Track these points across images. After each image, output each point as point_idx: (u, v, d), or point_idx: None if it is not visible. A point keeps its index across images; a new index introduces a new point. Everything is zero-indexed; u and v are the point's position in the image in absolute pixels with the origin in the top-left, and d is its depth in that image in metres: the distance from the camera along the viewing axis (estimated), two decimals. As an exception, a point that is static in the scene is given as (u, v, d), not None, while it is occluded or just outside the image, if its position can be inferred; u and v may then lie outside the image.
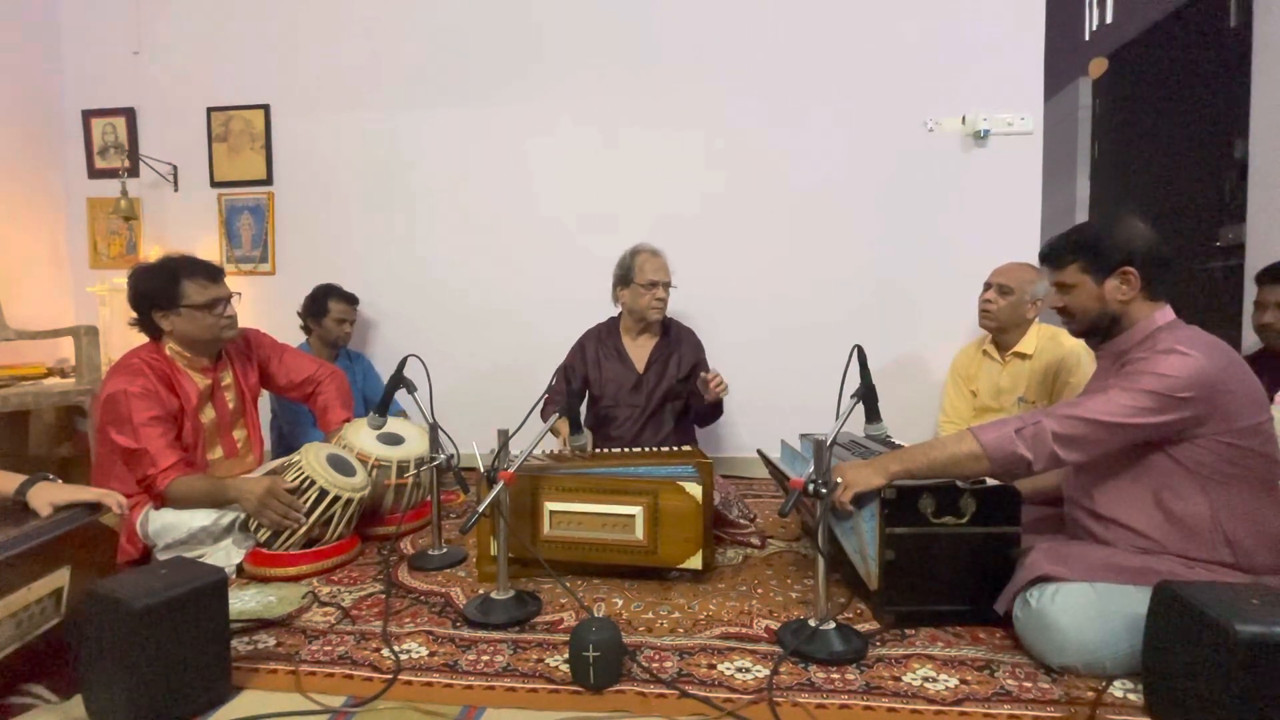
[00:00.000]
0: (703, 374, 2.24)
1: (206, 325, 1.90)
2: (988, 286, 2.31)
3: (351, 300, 2.93)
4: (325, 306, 2.84)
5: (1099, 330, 1.45)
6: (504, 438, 1.62)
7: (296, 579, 1.77)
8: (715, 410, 2.41)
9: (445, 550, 1.92)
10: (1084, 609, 1.24)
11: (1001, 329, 2.30)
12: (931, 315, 2.83)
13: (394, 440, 2.16)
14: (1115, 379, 1.36)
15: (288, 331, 2.66)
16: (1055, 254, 1.47)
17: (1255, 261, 2.53)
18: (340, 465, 1.92)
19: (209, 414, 1.99)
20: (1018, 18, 2.71)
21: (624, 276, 2.44)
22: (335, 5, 3.10)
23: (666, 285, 2.43)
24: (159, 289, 1.87)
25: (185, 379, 1.93)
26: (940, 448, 1.42)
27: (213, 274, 1.93)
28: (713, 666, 1.32)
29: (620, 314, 2.57)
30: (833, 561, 1.51)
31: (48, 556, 1.27)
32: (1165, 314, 1.40)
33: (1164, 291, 1.41)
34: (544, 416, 2.39)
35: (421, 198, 3.10)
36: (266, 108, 3.17)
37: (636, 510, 1.66)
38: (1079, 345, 2.13)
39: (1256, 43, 2.68)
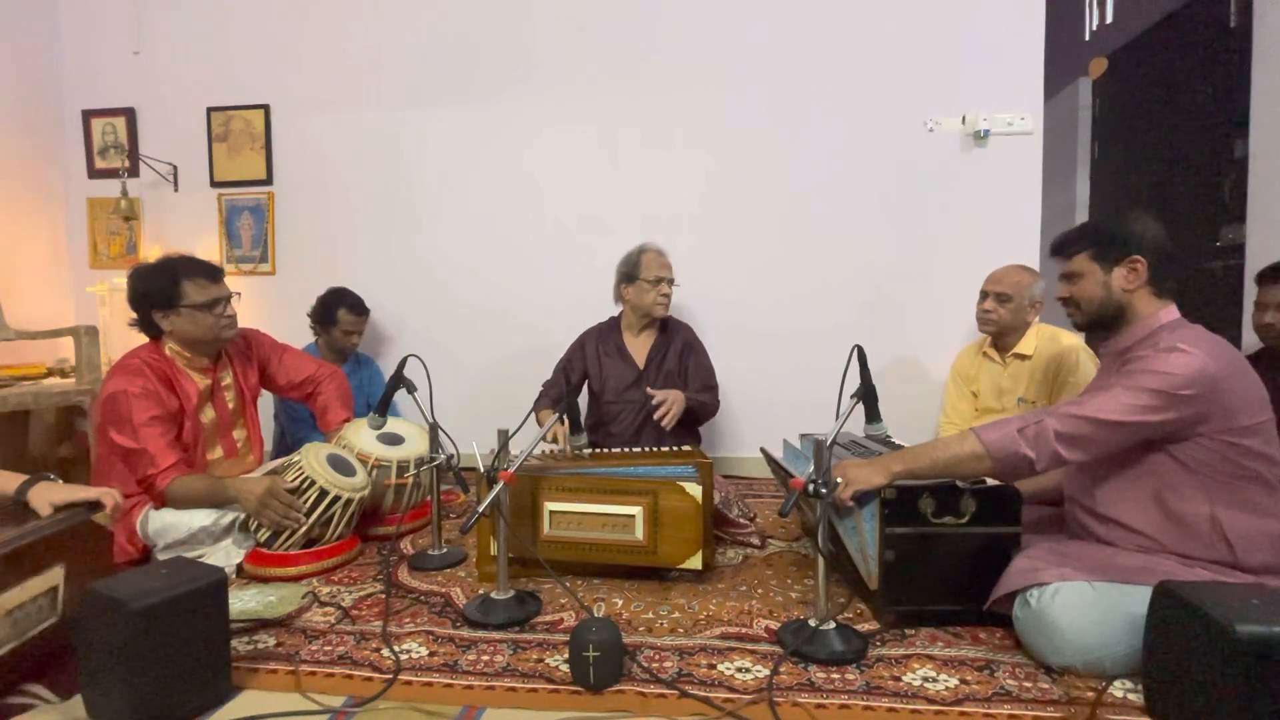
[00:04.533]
0: (649, 391, 2.31)
1: (206, 325, 1.90)
2: (985, 296, 2.28)
3: (361, 311, 2.86)
4: (335, 317, 2.78)
5: (1104, 322, 1.45)
6: (504, 438, 1.62)
7: (296, 579, 1.77)
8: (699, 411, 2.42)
9: (445, 550, 1.92)
10: (1084, 609, 1.24)
11: (1003, 334, 2.29)
12: (931, 315, 2.82)
13: (394, 440, 2.16)
14: (1117, 377, 1.36)
15: (288, 332, 2.65)
16: (1065, 244, 1.49)
17: (1255, 261, 2.53)
18: (340, 465, 1.92)
19: (209, 414, 1.99)
20: (1018, 18, 2.71)
21: (629, 273, 2.45)
22: (336, 5, 3.10)
23: (670, 281, 2.46)
24: (158, 289, 1.87)
25: (185, 379, 1.93)
26: (943, 447, 1.42)
27: (212, 274, 1.93)
28: (713, 666, 1.32)
29: (622, 312, 2.58)
30: (833, 561, 1.51)
31: (40, 554, 1.27)
32: (1170, 312, 1.40)
33: (1169, 288, 1.42)
34: (535, 406, 2.42)
35: (422, 198, 3.10)
36: (266, 108, 3.17)
37: (636, 510, 1.66)
38: (1078, 344, 2.13)
39: (1256, 43, 2.68)
